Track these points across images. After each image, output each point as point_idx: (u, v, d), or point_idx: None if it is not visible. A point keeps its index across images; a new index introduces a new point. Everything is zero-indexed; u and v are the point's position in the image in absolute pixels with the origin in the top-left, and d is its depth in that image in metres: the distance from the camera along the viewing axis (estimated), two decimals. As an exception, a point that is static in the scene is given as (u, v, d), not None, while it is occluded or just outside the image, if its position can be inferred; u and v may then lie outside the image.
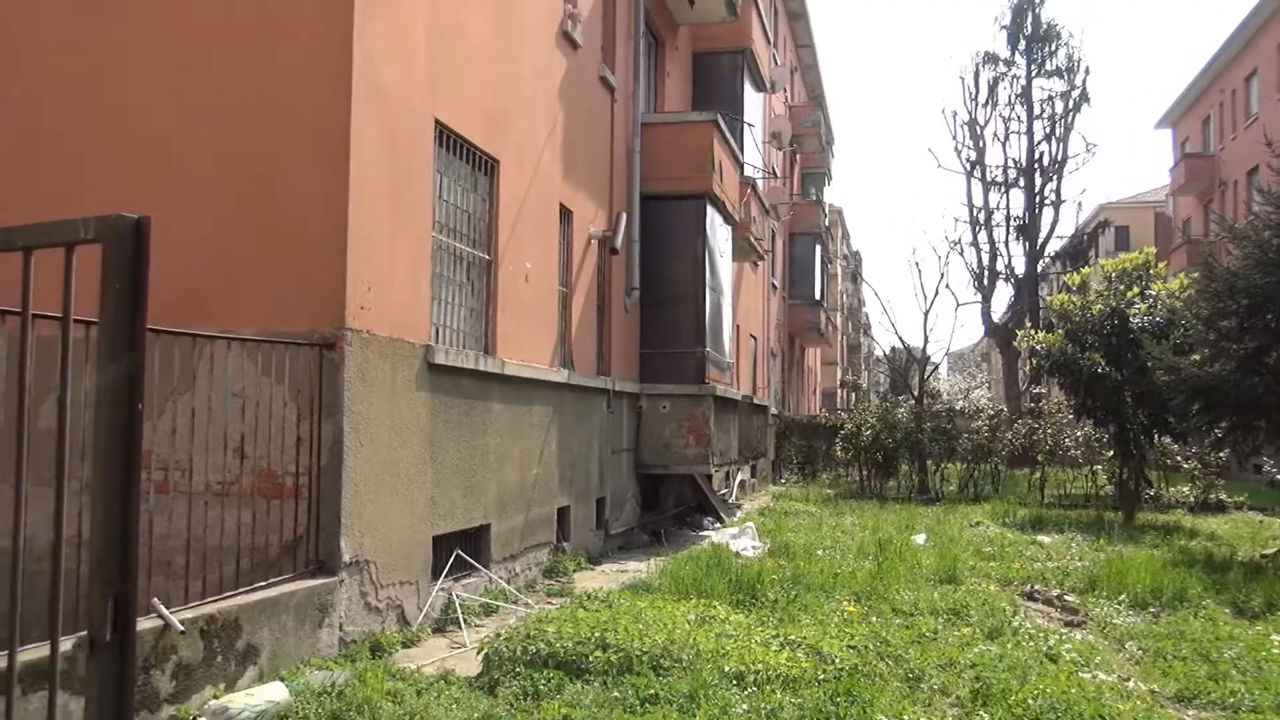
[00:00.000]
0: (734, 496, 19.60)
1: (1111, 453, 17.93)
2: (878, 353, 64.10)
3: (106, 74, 7.16)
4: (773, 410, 26.81)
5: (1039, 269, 37.06)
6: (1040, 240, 36.58)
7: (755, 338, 24.84)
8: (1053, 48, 36.24)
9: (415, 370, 7.70)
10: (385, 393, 7.25)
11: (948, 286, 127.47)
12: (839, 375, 57.49)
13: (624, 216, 13.36)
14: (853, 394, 55.21)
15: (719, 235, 15.42)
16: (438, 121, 8.14)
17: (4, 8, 7.45)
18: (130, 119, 7.09)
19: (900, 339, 38.61)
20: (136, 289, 2.28)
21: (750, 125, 19.39)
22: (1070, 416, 19.77)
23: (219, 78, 6.98)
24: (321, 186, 6.76)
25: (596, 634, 6.25)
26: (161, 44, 7.10)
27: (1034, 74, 36.54)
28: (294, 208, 6.81)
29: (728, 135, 15.47)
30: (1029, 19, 36.49)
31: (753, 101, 19.85)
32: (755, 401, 21.76)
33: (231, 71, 6.97)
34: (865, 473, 23.63)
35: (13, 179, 7.22)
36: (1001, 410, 26.93)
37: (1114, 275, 17.65)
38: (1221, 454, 18.44)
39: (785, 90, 28.61)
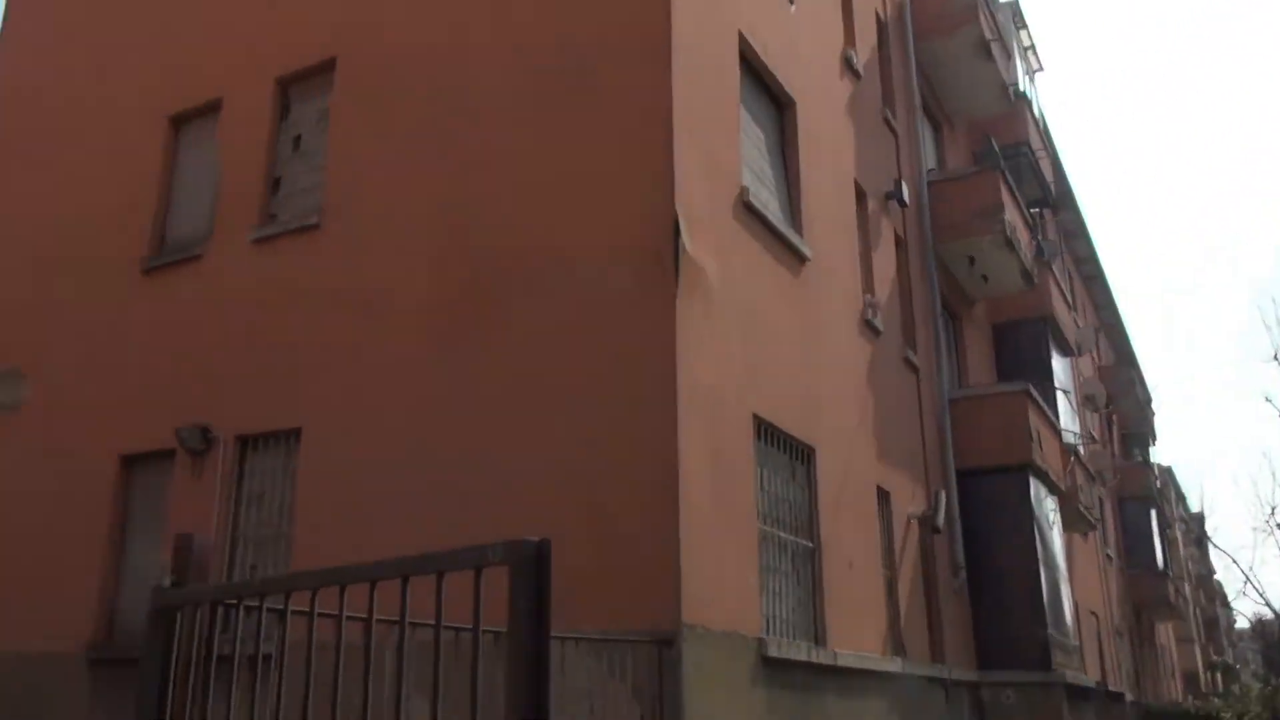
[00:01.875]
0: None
1: None
2: (1240, 624, 56.21)
3: (479, 429, 8.07)
4: (1129, 697, 23.85)
5: None
6: None
7: (1096, 615, 22.63)
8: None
9: (750, 664, 7.59)
10: (722, 688, 7.15)
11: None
12: (1198, 654, 50.68)
13: (943, 494, 12.99)
14: (1220, 674, 48.24)
15: (1045, 506, 14.58)
16: (755, 416, 8.45)
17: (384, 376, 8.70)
18: (489, 466, 7.84)
19: (1271, 608, 33.81)
20: (541, 607, 2.44)
21: (1064, 391, 18.69)
22: None
23: (559, 422, 7.64)
24: (652, 506, 7.07)
25: None
26: (517, 397, 7.94)
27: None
28: (625, 525, 7.12)
29: (1041, 403, 14.97)
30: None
31: (1060, 367, 19.23)
32: (1110, 689, 19.50)
33: (571, 414, 7.62)
34: (1257, 771, 20.11)
35: (428, 518, 8.11)
36: None
37: None
38: None
39: (1092, 352, 27.56)
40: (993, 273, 15.89)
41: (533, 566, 2.44)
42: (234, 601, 3.26)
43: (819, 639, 9.07)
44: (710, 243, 8.09)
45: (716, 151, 8.63)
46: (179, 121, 11.13)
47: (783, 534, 8.89)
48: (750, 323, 8.64)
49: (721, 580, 7.44)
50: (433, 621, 2.73)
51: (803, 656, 8.39)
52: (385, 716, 2.68)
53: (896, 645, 10.98)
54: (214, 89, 10.81)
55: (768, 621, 8.27)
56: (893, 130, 14.02)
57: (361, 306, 8.96)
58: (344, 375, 8.83)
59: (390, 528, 7.63)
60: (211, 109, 10.84)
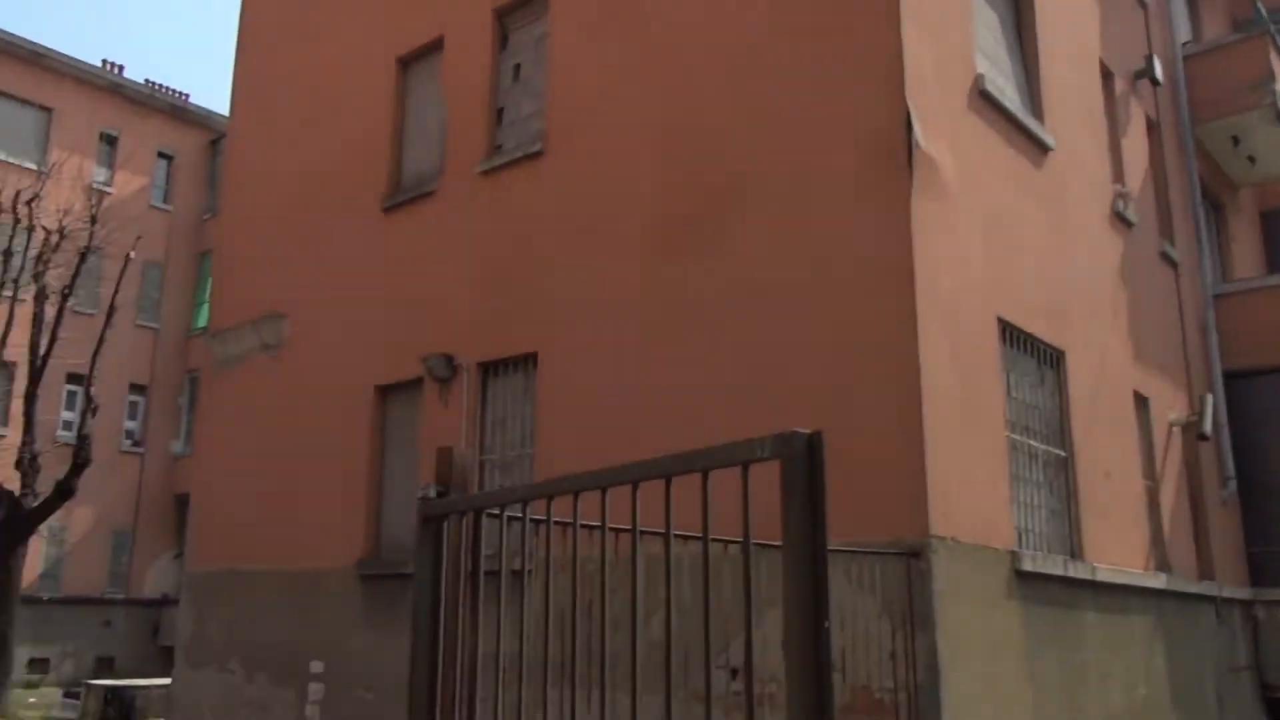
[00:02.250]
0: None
1: None
2: None
3: (711, 344, 8.04)
4: None
5: None
6: None
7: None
8: None
9: (1003, 578, 7.26)
10: (975, 604, 6.88)
11: None
12: None
13: (1209, 398, 11.94)
14: None
15: (1329, 409, 13.15)
16: (1000, 319, 7.97)
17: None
18: (722, 381, 7.81)
19: None
20: (815, 502, 2.31)
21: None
22: None
23: (793, 333, 7.48)
24: (895, 414, 6.81)
25: None
26: (748, 310, 7.83)
27: None
28: (868, 435, 6.86)
29: (1323, 294, 13.42)
30: None
31: (1345, 254, 17.18)
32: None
33: (804, 324, 7.44)
34: None
35: (663, 436, 8.21)
36: None
37: None
38: None
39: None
40: (1261, 153, 14.27)
41: (805, 460, 2.31)
42: (496, 511, 3.33)
43: (1075, 552, 8.57)
44: (945, 136, 7.61)
45: (948, 38, 8.07)
46: (406, 62, 11.50)
47: (1033, 442, 8.40)
48: (990, 219, 8.11)
49: (971, 490, 7.12)
50: (696, 532, 2.64)
51: (1058, 571, 7.96)
52: (650, 626, 2.65)
53: (1160, 560, 10.26)
54: (436, 27, 11.09)
55: (1020, 534, 7.88)
56: (1140, 1, 12.72)
57: (587, 229, 9.05)
58: (575, 298, 8.97)
59: (626, 446, 7.71)
60: (434, 47, 11.13)
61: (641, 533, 2.70)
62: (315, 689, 10.29)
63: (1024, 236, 8.65)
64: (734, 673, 6.69)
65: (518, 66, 10.40)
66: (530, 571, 3.20)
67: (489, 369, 9.68)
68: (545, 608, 3.05)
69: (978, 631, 6.84)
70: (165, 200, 28.65)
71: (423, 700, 3.35)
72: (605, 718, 2.92)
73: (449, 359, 9.73)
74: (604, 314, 8.71)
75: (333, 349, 11.21)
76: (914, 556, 6.54)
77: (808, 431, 2.34)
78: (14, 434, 19.10)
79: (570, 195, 9.27)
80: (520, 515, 3.18)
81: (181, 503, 27.20)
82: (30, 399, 17.99)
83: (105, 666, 24.34)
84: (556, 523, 3.03)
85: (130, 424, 27.01)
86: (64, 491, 17.51)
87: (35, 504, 17.57)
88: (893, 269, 7.04)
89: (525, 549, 3.03)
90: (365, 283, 11.03)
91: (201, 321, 28.05)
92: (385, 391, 10.64)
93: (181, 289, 28.43)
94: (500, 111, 10.44)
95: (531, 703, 3.09)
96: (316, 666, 10.31)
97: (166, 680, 17.46)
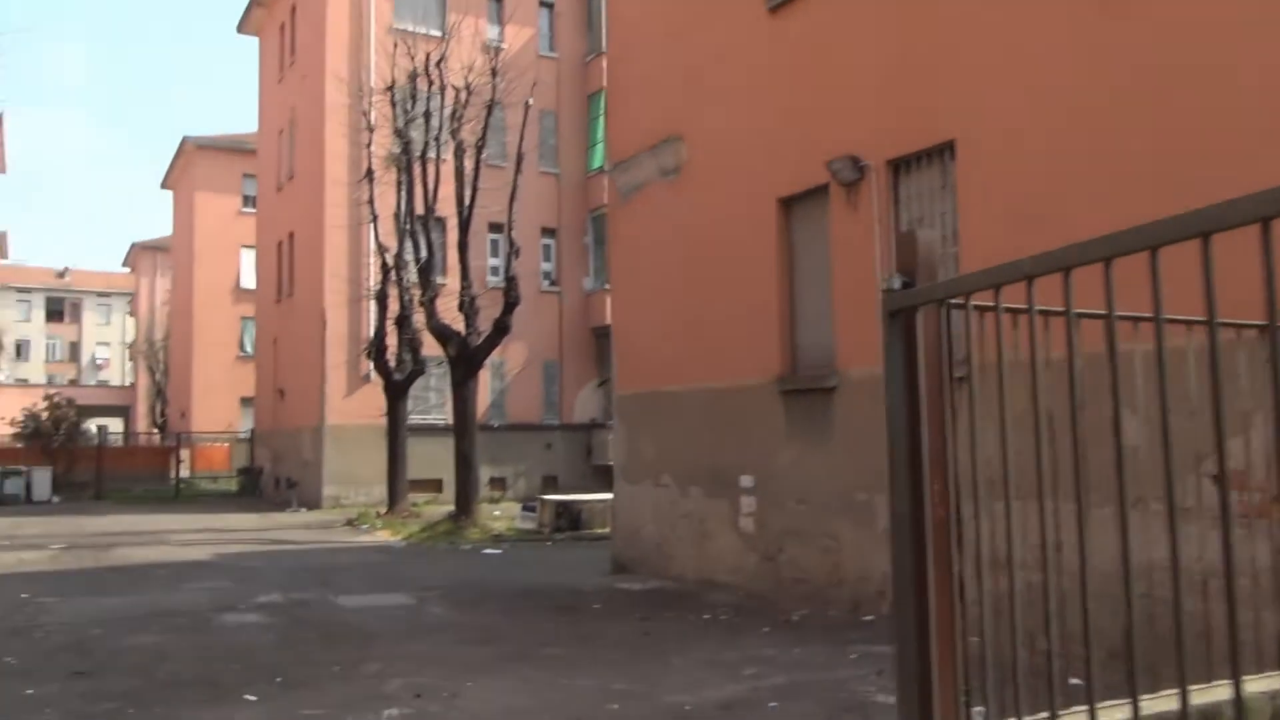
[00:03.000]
0: None
1: None
2: None
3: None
4: None
5: None
6: None
7: None
8: None
9: None
10: None
11: None
12: None
13: None
14: None
15: None
16: None
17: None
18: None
19: None
20: None
21: None
22: None
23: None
24: None
25: None
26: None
27: None
28: None
29: None
30: None
31: None
32: None
33: None
34: None
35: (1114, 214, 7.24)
36: None
37: None
38: None
39: None
40: None
41: None
42: (960, 301, 2.81)
43: None
44: None
45: None
46: None
47: None
48: None
49: None
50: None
51: None
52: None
53: None
54: None
55: None
56: None
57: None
58: (990, 74, 7.95)
59: (1064, 235, 6.80)
60: None
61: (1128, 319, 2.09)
62: (747, 502, 10.57)
63: None
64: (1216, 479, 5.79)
65: None
66: (1007, 368, 2.68)
67: (899, 166, 8.97)
68: (1035, 408, 2.55)
69: None
70: (550, 48, 29.78)
71: (906, 516, 2.98)
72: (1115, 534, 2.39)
73: (855, 160, 9.12)
74: (1025, 88, 7.64)
75: (731, 166, 10.99)
76: None
77: None
78: (451, 281, 21.21)
79: (981, -44, 8.12)
80: (992, 306, 2.63)
81: (598, 335, 29.23)
82: (463, 248, 19.78)
83: (550, 484, 27.19)
84: (1040, 312, 2.48)
85: (545, 265, 29.14)
86: (501, 328, 19.28)
87: (479, 341, 19.52)
88: None
89: (999, 340, 2.52)
90: (759, 93, 10.59)
91: (596, 162, 29.28)
92: (789, 204, 10.28)
93: (575, 132, 29.73)
94: (890, -125, 9.32)
95: (1024, 517, 2.65)
96: (746, 481, 10.55)
97: (606, 495, 19.10)
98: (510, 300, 19.24)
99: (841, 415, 9.38)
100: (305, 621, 9.48)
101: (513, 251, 19.48)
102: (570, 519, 18.06)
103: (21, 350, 75.61)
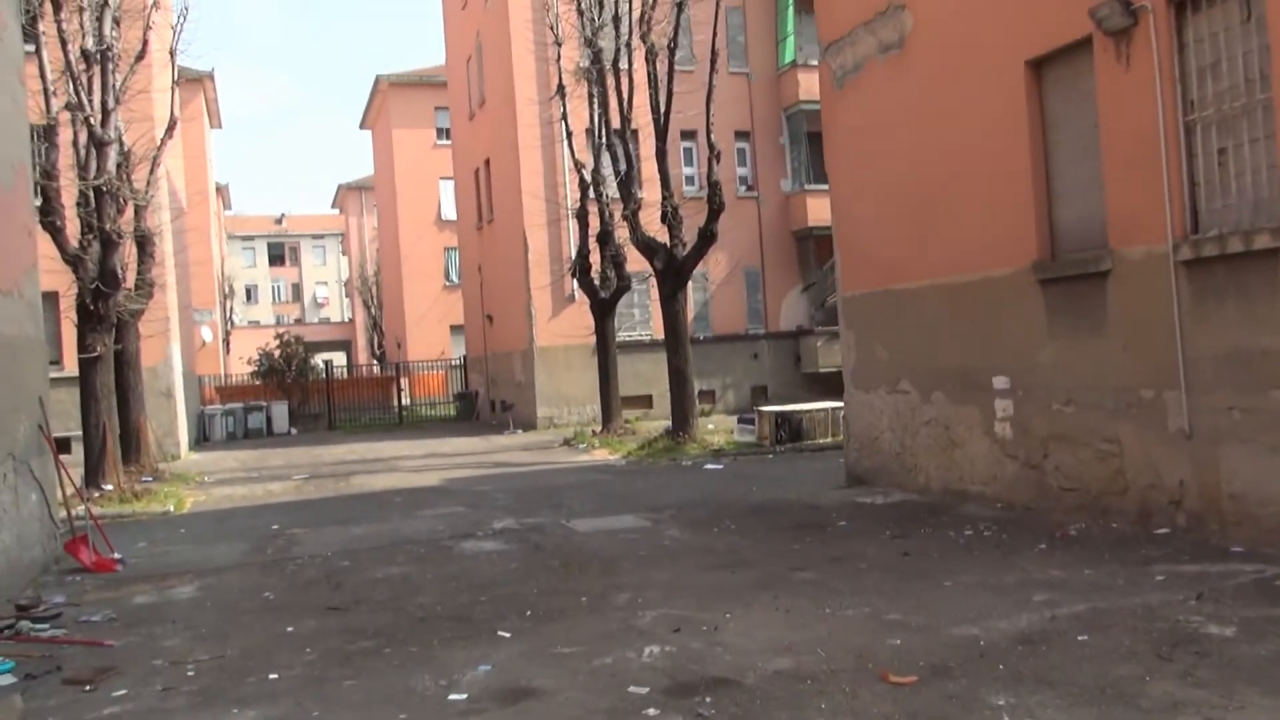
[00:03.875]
0: None
1: None
2: None
3: None
4: None
5: None
6: None
7: None
8: None
9: None
10: None
11: None
12: None
13: None
14: None
15: None
16: None
17: None
18: None
19: None
20: None
21: None
22: None
23: None
24: None
25: None
26: None
27: None
28: None
29: None
30: None
31: None
32: None
33: None
34: None
35: None
36: None
37: None
38: None
39: None
40: None
41: None
42: None
43: None
44: None
45: None
46: None
47: None
48: None
49: None
50: None
51: None
52: None
53: None
54: None
55: None
56: None
57: None
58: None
59: None
60: None
61: None
62: (1001, 405, 9.57)
63: None
64: None
65: None
66: None
67: (1184, 3, 7.58)
68: None
69: None
70: (732, -60, 28.29)
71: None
72: None
73: (1126, 3, 7.78)
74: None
75: (965, 31, 9.75)
76: None
77: None
78: (649, 193, 20.56)
79: None
80: None
81: (799, 238, 28.09)
82: (661, 156, 19.08)
83: (760, 394, 26.54)
84: None
85: (741, 170, 28.08)
86: (707, 236, 18.57)
87: (685, 252, 18.90)
88: None
89: None
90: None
91: (788, 57, 27.79)
92: (1039, 65, 9.01)
93: (763, 28, 28.27)
94: None
95: None
96: (1000, 382, 9.53)
97: (825, 404, 18.28)
98: (715, 206, 18.46)
99: (1118, 302, 8.20)
100: (543, 548, 9.25)
101: (713, 155, 18.61)
102: (791, 430, 17.40)
103: (251, 294, 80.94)
